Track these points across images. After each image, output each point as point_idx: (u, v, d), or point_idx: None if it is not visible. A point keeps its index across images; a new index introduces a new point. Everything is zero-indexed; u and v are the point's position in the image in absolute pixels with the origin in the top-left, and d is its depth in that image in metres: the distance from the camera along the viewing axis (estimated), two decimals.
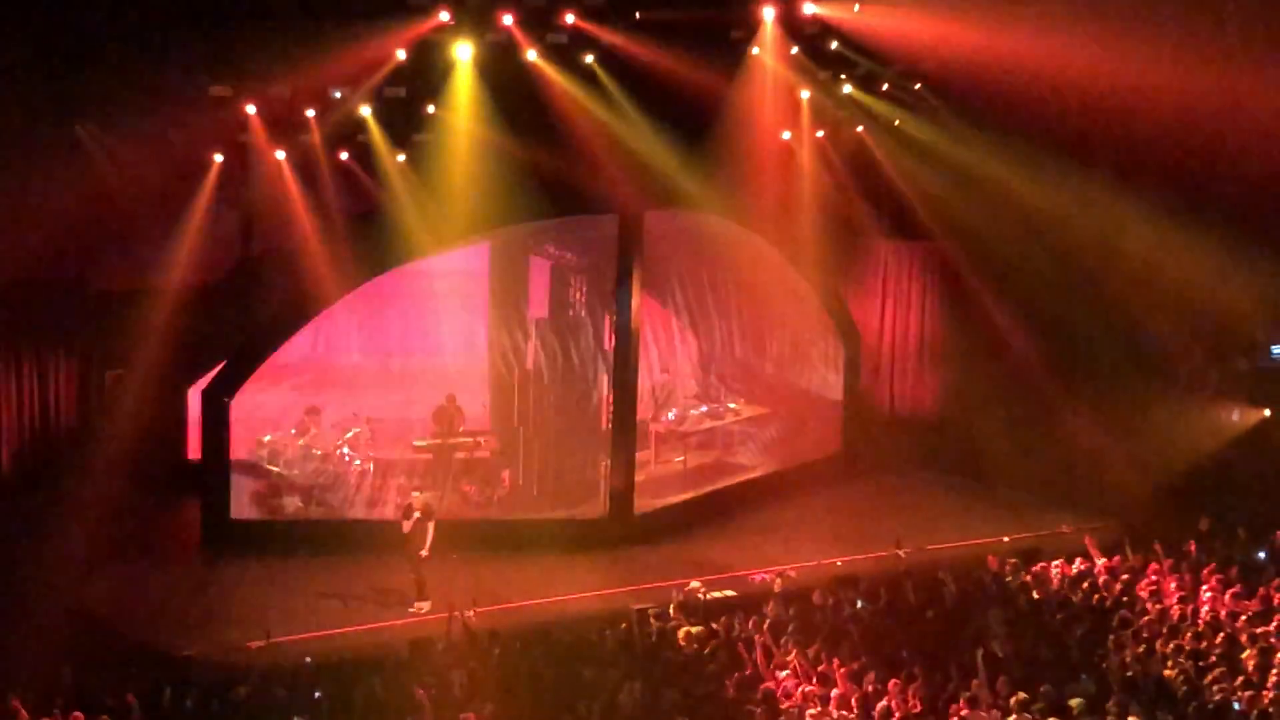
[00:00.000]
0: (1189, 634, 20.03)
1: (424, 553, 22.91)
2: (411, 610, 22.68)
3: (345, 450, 26.98)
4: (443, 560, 23.67)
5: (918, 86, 28.39)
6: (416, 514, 23.04)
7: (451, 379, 28.07)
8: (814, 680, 18.32)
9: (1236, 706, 17.75)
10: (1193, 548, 23.24)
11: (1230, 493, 26.73)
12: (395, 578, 23.23)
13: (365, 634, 21.61)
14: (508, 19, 23.96)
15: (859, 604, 21.47)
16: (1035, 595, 21.92)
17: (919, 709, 17.74)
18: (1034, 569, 22.81)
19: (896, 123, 28.89)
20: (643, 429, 27.63)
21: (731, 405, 30.21)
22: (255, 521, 25.31)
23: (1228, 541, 24.05)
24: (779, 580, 23.06)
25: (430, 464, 27.10)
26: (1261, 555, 24.10)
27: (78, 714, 16.86)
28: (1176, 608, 21.19)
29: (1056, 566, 22.95)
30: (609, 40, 24.87)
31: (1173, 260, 27.00)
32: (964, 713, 17.49)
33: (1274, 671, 18.66)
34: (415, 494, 23.68)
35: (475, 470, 27.35)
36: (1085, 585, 22.09)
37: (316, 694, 18.15)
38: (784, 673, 18.65)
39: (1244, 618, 20.84)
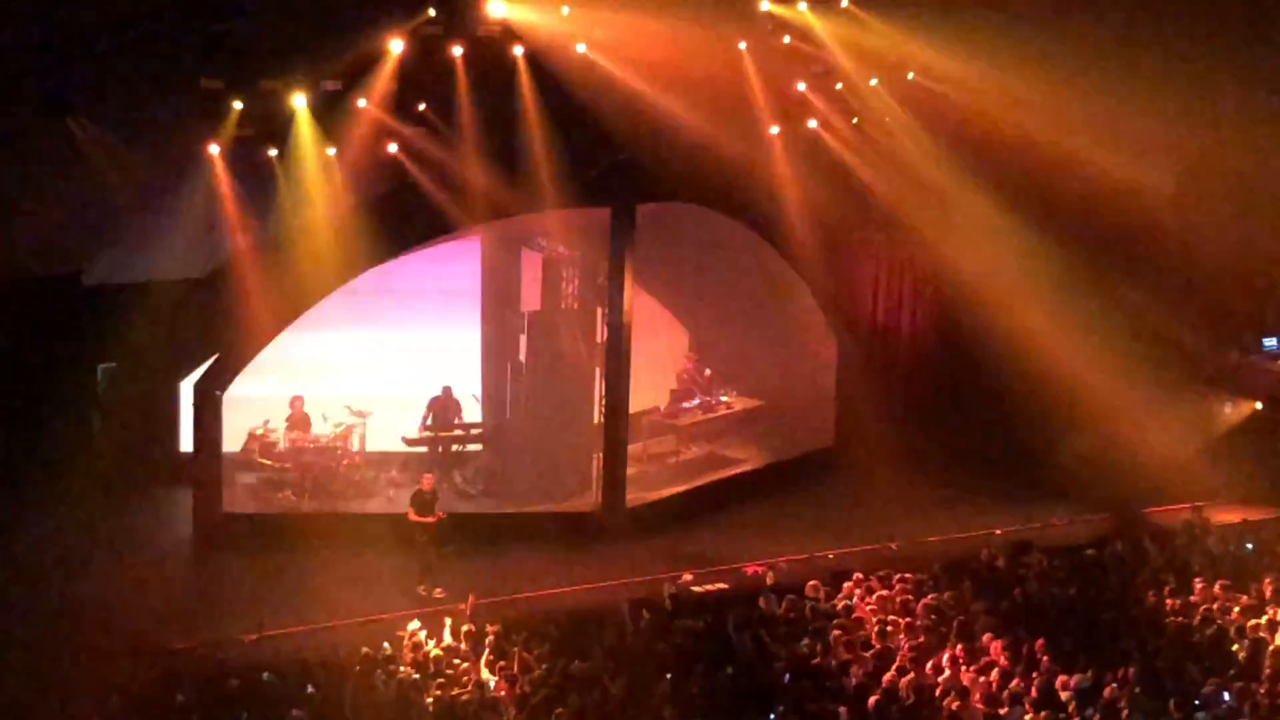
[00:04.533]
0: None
1: None
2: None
3: (337, 443, 27.00)
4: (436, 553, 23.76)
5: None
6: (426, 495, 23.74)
7: (443, 371, 28.09)
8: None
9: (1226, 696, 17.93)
10: None
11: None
12: (386, 570, 23.33)
13: (357, 627, 21.61)
14: (498, 10, 24.03)
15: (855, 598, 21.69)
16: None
17: None
18: None
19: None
20: (635, 421, 27.65)
21: (724, 398, 30.24)
22: (248, 515, 25.33)
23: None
24: (771, 573, 23.14)
25: (422, 457, 27.21)
26: (1249, 546, 24.31)
27: (73, 706, 16.96)
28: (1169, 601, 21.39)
29: None
30: (601, 32, 24.93)
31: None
32: (955, 704, 17.60)
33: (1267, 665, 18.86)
34: (428, 475, 24.26)
35: (467, 463, 27.41)
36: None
37: (309, 688, 18.21)
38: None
39: (1236, 610, 21.02)
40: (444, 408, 27.77)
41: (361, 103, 24.41)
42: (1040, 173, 28.12)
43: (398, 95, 24.61)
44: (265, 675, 18.59)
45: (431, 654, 19.42)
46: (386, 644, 19.88)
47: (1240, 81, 28.61)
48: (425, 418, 27.66)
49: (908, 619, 20.80)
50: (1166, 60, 27.55)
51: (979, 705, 17.74)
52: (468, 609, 21.00)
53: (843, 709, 17.45)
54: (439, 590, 22.97)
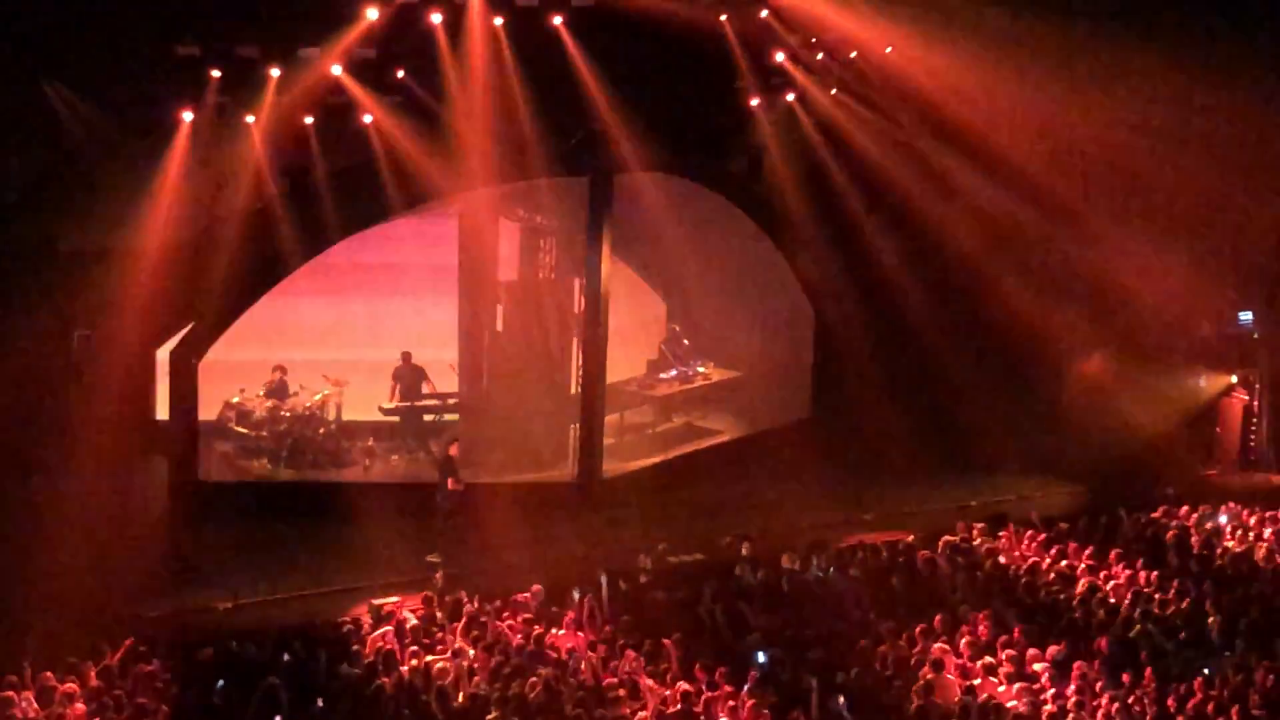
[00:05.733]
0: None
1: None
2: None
3: (314, 412, 26.93)
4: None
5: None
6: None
7: (420, 341, 28.02)
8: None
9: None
10: None
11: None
12: (363, 539, 23.32)
13: (333, 596, 21.60)
14: None
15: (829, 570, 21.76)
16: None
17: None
18: None
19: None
20: (612, 392, 27.63)
21: (700, 369, 30.20)
22: (223, 483, 25.27)
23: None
24: (746, 544, 23.14)
25: (397, 427, 27.17)
26: (1223, 519, 24.42)
27: (47, 674, 16.90)
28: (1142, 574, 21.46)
29: None
30: (579, 3, 24.83)
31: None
32: (929, 676, 17.64)
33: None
34: (455, 442, 24.43)
35: (443, 432, 27.38)
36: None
37: (285, 656, 18.20)
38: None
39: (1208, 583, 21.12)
40: (408, 375, 27.68)
41: (337, 69, 24.29)
42: (1013, 145, 28.12)
43: (375, 63, 24.50)
44: (234, 644, 18.58)
45: (409, 624, 19.40)
46: (364, 614, 19.90)
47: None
48: (393, 390, 27.60)
49: (883, 590, 20.86)
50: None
51: (954, 677, 17.78)
52: (438, 581, 21.01)
53: (817, 680, 17.47)
54: (434, 555, 23.05)
